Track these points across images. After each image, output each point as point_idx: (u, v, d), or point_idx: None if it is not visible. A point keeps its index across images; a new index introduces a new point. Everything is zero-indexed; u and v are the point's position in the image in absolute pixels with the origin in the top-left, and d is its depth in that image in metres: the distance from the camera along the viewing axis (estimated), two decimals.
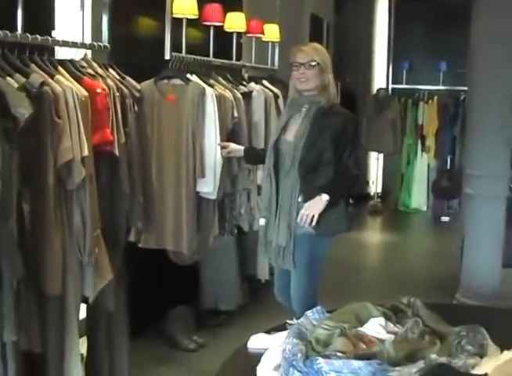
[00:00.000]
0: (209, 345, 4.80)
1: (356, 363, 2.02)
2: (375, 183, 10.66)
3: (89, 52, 3.57)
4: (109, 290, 3.40)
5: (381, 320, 2.45)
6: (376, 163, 10.54)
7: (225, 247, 5.22)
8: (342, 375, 1.99)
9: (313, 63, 3.75)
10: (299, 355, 2.15)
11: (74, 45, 3.37)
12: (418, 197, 10.37)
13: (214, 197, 4.56)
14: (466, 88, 9.09)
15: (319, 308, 2.58)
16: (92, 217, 3.10)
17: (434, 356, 2.16)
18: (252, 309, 5.41)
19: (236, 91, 4.93)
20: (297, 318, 3.36)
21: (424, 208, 10.32)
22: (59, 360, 3.13)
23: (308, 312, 2.55)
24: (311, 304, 3.37)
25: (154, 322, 4.82)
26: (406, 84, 10.61)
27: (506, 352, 2.32)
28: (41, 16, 3.71)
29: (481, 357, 2.30)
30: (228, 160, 4.66)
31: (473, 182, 5.10)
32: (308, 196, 3.72)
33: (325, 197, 3.68)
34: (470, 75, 5.77)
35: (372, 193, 10.71)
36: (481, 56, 5.24)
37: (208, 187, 4.45)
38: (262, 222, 3.98)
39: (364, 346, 2.28)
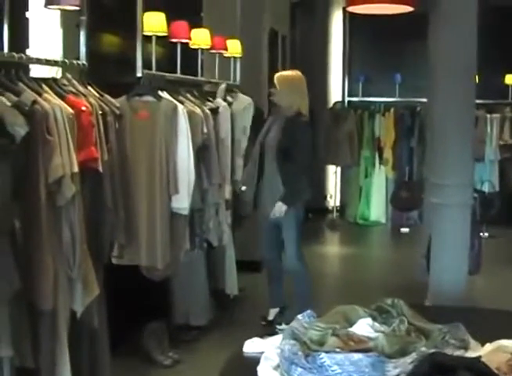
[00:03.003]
0: (184, 360, 4.97)
1: (356, 356, 2.24)
2: (333, 197, 10.93)
3: (59, 70, 3.75)
4: (94, 305, 3.57)
5: (369, 321, 2.68)
6: (334, 176, 10.82)
7: (194, 262, 5.40)
8: (344, 367, 2.21)
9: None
10: (299, 353, 2.37)
11: (56, 63, 3.56)
12: (377, 210, 10.68)
13: (186, 212, 4.76)
14: (422, 100, 9.48)
15: (309, 311, 2.80)
16: (80, 232, 3.28)
17: (423, 348, 2.40)
18: (223, 324, 5.61)
19: (204, 107, 5.15)
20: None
21: (383, 220, 10.63)
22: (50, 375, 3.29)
23: (299, 316, 2.76)
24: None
25: (127, 338, 4.97)
26: (362, 96, 10.96)
27: (488, 345, 2.58)
28: (16, 34, 3.87)
29: (465, 350, 2.56)
30: (198, 175, 4.87)
31: (438, 191, 5.36)
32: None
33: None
34: (430, 87, 6.06)
35: (330, 207, 10.98)
36: (441, 71, 5.53)
37: (182, 203, 4.65)
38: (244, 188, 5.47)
39: (354, 345, 2.51)
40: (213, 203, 5.32)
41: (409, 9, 6.22)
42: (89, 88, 3.71)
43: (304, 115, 5.32)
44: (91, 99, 3.53)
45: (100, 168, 3.44)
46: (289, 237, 5.38)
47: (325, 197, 11.10)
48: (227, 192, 5.58)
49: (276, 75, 5.45)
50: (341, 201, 11.07)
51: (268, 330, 5.00)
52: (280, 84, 5.34)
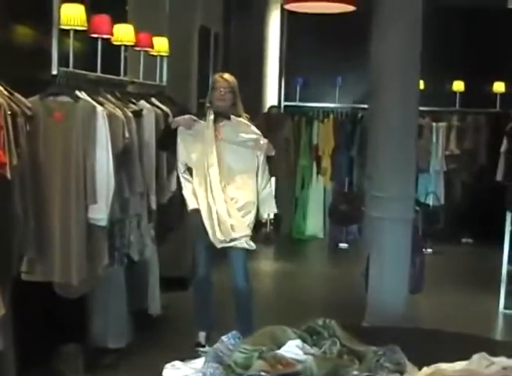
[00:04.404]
0: None
1: None
2: None
3: None
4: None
5: (298, 342, 2.70)
6: None
7: (113, 279, 5.35)
8: None
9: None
10: None
11: None
12: (314, 223, 10.74)
13: (104, 223, 4.72)
14: (364, 106, 9.62)
15: (234, 332, 2.81)
16: None
17: (356, 372, 2.43)
18: (144, 346, 5.56)
19: (126, 109, 5.13)
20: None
21: (321, 235, 10.70)
22: None
23: (223, 337, 2.77)
24: None
25: (38, 362, 4.89)
26: (300, 101, 11.00)
27: (425, 368, 2.63)
28: None
29: (401, 374, 2.60)
30: (118, 183, 4.84)
31: (378, 205, 5.45)
32: None
33: None
34: (372, 92, 6.15)
35: (263, 220, 10.99)
36: (383, 77, 5.62)
37: (100, 213, 4.62)
38: None
39: (282, 368, 2.53)
40: (134, 214, 5.29)
41: (350, 8, 6.30)
42: None
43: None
44: None
45: (8, 175, 3.40)
46: (244, 254, 5.41)
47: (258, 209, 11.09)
48: (153, 202, 5.56)
49: (227, 76, 5.41)
50: (276, 214, 11.07)
51: (192, 353, 4.99)
52: (235, 87, 5.38)
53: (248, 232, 5.30)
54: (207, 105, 5.43)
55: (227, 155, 5.29)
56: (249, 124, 5.30)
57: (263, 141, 5.25)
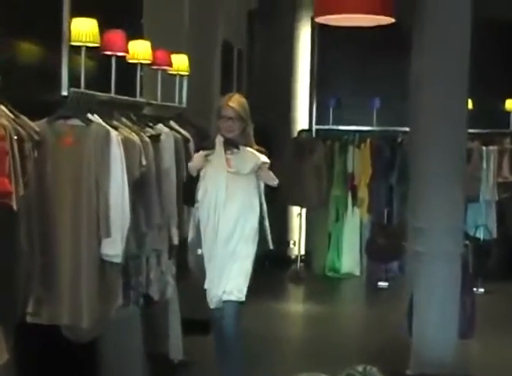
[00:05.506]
0: None
1: None
2: (297, 244, 10.90)
3: None
4: (1, 374, 3.50)
5: None
6: (298, 219, 10.80)
7: (128, 321, 5.34)
8: None
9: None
10: None
11: None
12: (349, 260, 10.69)
13: (119, 260, 4.71)
14: (404, 129, 9.58)
15: None
16: None
17: None
18: None
19: (143, 134, 5.14)
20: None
21: (357, 273, 10.64)
22: None
23: None
24: None
25: None
26: (333, 124, 11.01)
27: None
28: None
29: None
30: (134, 215, 4.83)
31: (422, 238, 5.40)
32: None
33: None
34: (414, 114, 6.11)
35: (293, 256, 10.96)
36: (427, 95, 5.60)
37: (115, 249, 4.61)
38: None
39: None
40: (152, 249, 5.28)
41: (389, 20, 6.29)
42: (1, 107, 3.67)
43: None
44: (4, 121, 3.49)
45: (14, 205, 3.40)
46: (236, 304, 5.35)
47: (287, 244, 11.09)
48: (175, 236, 5.55)
49: (234, 103, 5.26)
50: (307, 249, 11.06)
51: None
52: (245, 113, 5.29)
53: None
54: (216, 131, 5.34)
55: (235, 188, 5.23)
56: (258, 155, 5.20)
57: (262, 168, 5.19)
